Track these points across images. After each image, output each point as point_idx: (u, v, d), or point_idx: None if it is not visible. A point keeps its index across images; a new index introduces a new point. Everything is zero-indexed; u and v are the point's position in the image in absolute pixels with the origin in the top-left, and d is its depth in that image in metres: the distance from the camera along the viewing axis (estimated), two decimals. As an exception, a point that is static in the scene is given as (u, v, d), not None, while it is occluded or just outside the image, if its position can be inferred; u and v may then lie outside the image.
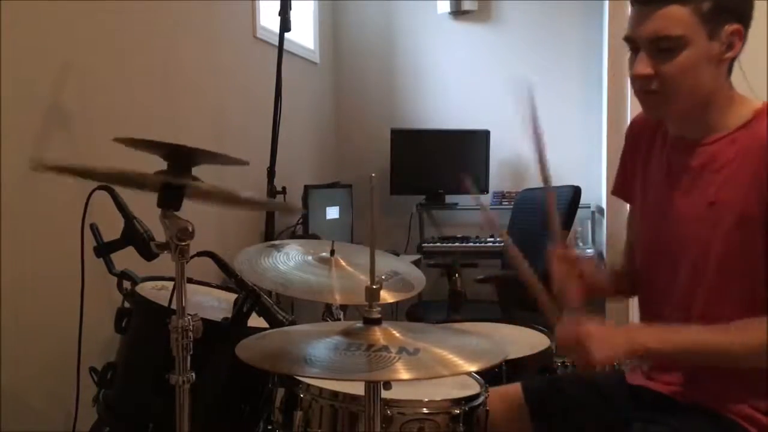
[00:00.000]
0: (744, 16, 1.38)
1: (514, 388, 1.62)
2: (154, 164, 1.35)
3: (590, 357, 1.33)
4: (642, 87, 1.42)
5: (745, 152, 1.38)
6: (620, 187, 1.68)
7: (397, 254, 3.43)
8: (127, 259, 1.62)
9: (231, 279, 1.66)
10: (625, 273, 1.69)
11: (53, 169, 1.46)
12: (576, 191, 3.29)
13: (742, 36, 1.38)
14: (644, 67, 1.38)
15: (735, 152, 1.39)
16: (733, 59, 1.41)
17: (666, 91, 1.39)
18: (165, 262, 1.42)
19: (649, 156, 1.57)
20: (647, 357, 1.46)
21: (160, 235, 1.42)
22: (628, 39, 1.42)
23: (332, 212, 3.85)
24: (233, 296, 1.72)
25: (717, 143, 1.42)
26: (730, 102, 1.43)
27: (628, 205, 1.70)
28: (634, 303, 1.75)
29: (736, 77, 1.45)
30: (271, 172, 2.97)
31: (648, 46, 1.38)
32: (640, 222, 1.60)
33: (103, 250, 1.60)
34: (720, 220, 1.39)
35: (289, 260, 1.72)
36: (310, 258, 1.74)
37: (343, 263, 1.73)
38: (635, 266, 1.63)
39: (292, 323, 1.63)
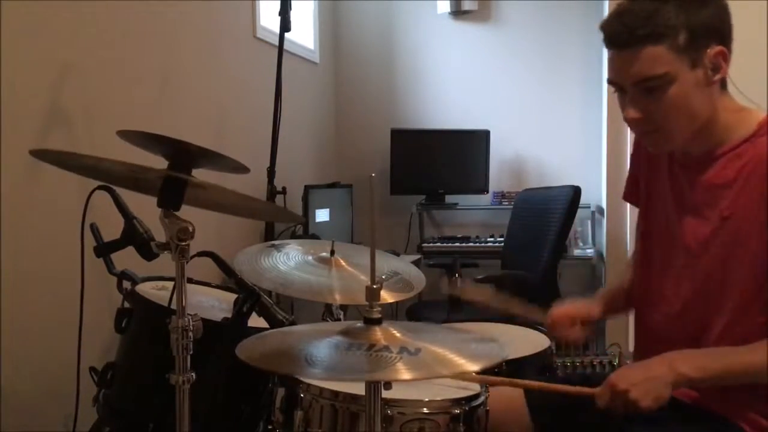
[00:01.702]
0: (723, 36, 1.36)
1: (514, 388, 1.61)
2: (154, 166, 1.35)
3: (641, 409, 1.31)
4: (638, 129, 1.41)
5: (753, 166, 1.36)
6: (631, 193, 1.67)
7: (397, 254, 3.43)
8: (127, 259, 1.62)
9: (231, 279, 1.66)
10: (629, 289, 1.68)
11: (55, 158, 1.46)
12: (576, 191, 3.29)
13: (727, 55, 1.36)
14: (635, 112, 1.37)
15: (742, 166, 1.38)
16: (723, 78, 1.39)
17: (663, 129, 1.38)
18: (165, 262, 1.42)
19: (653, 165, 1.57)
20: (688, 385, 1.42)
21: (160, 235, 1.42)
22: (612, 82, 1.40)
23: (332, 212, 3.85)
24: (233, 296, 1.72)
25: (724, 158, 1.41)
26: (732, 116, 1.42)
27: (628, 209, 1.70)
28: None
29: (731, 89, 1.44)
30: (271, 172, 2.97)
31: (633, 89, 1.36)
32: (643, 233, 1.59)
33: (103, 250, 1.60)
34: (735, 234, 1.37)
35: (289, 260, 1.72)
36: (310, 258, 1.74)
37: (343, 263, 1.73)
38: None
39: (292, 323, 1.63)
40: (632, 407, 1.31)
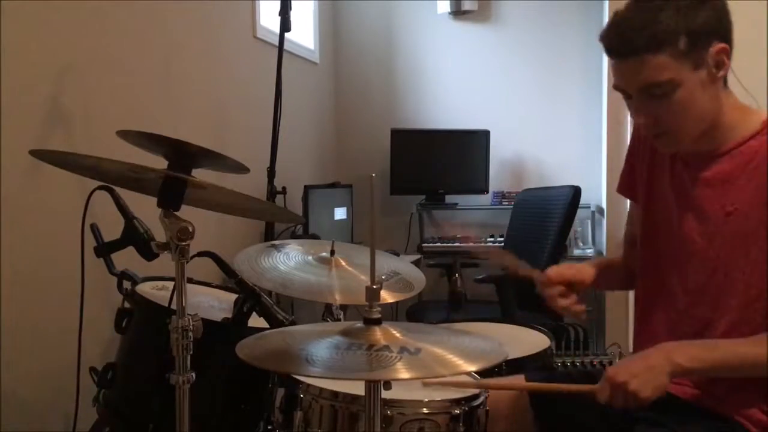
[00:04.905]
0: (724, 33, 1.35)
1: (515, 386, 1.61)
2: (154, 166, 1.35)
3: (641, 400, 1.30)
4: (649, 132, 1.41)
5: (757, 163, 1.37)
6: (626, 187, 1.66)
7: (397, 254, 3.43)
8: (127, 259, 1.62)
9: (231, 279, 1.66)
10: (622, 266, 1.70)
11: (55, 158, 1.45)
12: (576, 191, 3.29)
13: (728, 51, 1.35)
14: (643, 116, 1.38)
15: (746, 162, 1.38)
16: (725, 75, 1.39)
17: (672, 130, 1.39)
18: (165, 262, 1.42)
19: (655, 161, 1.56)
20: (685, 376, 1.42)
21: (160, 235, 1.42)
22: (618, 88, 1.41)
23: (332, 212, 3.85)
24: (233, 296, 1.72)
25: (727, 155, 1.41)
26: (736, 114, 1.42)
27: (628, 203, 1.70)
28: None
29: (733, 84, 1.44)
30: (271, 172, 2.97)
31: (639, 95, 1.37)
32: (643, 228, 1.59)
33: (103, 250, 1.60)
34: (738, 229, 1.37)
35: (289, 260, 1.72)
36: (310, 258, 1.74)
37: (343, 263, 1.73)
38: (633, 261, 1.62)
39: (292, 323, 1.63)
40: (632, 399, 1.31)
